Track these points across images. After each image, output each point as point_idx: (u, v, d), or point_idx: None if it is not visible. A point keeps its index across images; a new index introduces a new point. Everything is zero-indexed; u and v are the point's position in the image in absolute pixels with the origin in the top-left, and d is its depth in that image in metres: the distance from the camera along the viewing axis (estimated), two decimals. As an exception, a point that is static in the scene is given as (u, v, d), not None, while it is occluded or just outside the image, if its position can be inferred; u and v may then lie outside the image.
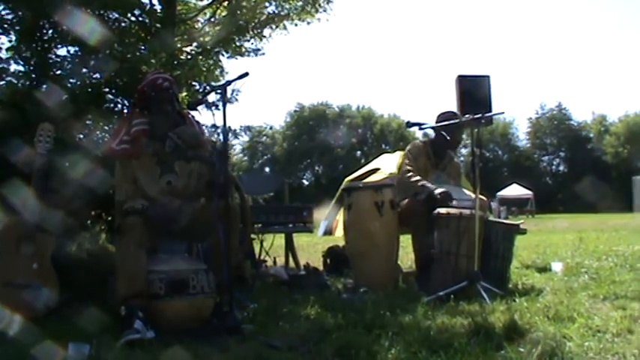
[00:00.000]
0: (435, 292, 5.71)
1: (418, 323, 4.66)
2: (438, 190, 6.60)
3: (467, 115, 6.44)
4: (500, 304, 5.26)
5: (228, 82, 4.93)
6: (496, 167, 79.72)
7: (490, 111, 7.98)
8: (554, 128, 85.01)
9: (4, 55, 7.33)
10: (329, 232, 18.84)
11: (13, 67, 7.37)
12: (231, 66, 13.24)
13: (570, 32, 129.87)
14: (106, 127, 7.46)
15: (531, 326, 4.40)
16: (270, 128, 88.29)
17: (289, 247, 8.62)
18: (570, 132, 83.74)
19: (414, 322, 4.68)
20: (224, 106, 4.81)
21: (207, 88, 9.63)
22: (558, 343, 3.85)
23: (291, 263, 8.59)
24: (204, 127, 6.87)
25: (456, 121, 6.66)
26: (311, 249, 11.43)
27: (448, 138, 7.02)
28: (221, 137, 5.75)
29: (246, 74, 4.82)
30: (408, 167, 7.02)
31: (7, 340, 4.23)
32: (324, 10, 13.39)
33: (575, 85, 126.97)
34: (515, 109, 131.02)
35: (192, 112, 7.64)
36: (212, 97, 9.34)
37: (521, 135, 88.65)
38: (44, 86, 7.18)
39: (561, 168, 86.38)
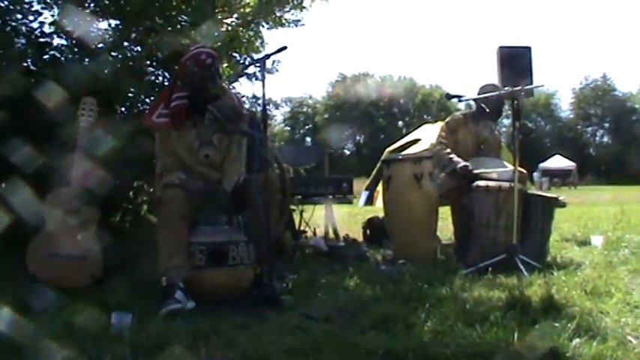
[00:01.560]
0: (474, 264, 5.73)
1: (455, 296, 4.68)
2: (461, 164, 6.60)
3: (506, 88, 6.41)
4: (538, 278, 5.25)
5: (267, 56, 4.94)
6: (538, 138, 78.81)
7: (531, 83, 7.92)
8: (599, 99, 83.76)
9: (47, 29, 7.40)
10: (370, 202, 18.87)
11: (57, 40, 7.45)
12: (272, 37, 13.28)
13: (615, 1, 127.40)
14: (147, 100, 7.54)
15: (568, 301, 4.39)
16: (310, 98, 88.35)
17: (329, 218, 8.65)
18: (615, 103, 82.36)
19: (451, 295, 4.70)
20: (263, 79, 4.83)
21: (248, 59, 9.66)
22: (594, 319, 3.85)
23: (331, 234, 8.61)
24: (244, 99, 6.92)
25: (495, 93, 6.61)
26: (351, 220, 11.44)
27: (488, 110, 7.00)
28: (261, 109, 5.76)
29: (285, 48, 4.83)
30: (442, 140, 7.01)
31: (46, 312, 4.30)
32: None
33: (621, 56, 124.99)
34: (559, 81, 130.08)
35: (234, 84, 7.70)
36: (252, 69, 9.38)
37: (565, 106, 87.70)
38: (86, 60, 7.24)
39: (605, 139, 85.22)
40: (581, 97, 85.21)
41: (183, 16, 8.61)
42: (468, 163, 6.62)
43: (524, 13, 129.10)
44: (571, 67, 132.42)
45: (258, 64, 4.83)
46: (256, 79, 8.78)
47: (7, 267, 5.27)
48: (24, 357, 3.35)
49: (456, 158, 6.70)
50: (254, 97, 8.80)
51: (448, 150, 6.84)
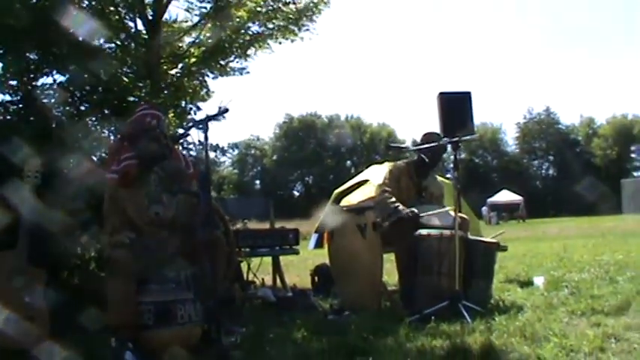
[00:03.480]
0: (419, 311, 5.84)
1: (400, 346, 4.79)
2: (406, 211, 6.74)
3: (444, 139, 6.60)
4: (480, 323, 5.39)
5: (209, 118, 5.01)
6: (485, 173, 79.92)
7: (472, 128, 8.15)
8: (543, 132, 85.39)
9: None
10: (320, 244, 18.92)
11: (0, 97, 7.49)
12: (217, 85, 13.37)
13: (555, 35, 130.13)
14: (94, 158, 7.58)
15: (507, 347, 4.53)
16: (258, 139, 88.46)
17: (276, 269, 8.74)
18: (559, 135, 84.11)
19: (396, 345, 4.80)
20: (206, 141, 4.93)
21: (195, 109, 9.77)
22: (531, 365, 3.99)
23: (279, 284, 8.69)
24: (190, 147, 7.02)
25: (435, 144, 6.79)
26: (301, 265, 11.52)
27: (427, 160, 7.15)
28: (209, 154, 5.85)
29: (227, 110, 4.95)
30: (386, 188, 7.13)
31: None
32: (307, 29, 13.49)
33: (563, 89, 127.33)
34: (503, 114, 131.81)
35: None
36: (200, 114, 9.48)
37: (510, 140, 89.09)
38: (31, 117, 7.28)
39: (551, 172, 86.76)
40: (526, 131, 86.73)
41: (127, 69, 8.71)
42: (414, 209, 6.75)
43: (465, 48, 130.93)
44: (514, 101, 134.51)
45: (200, 127, 4.89)
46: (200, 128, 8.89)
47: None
48: None
49: (401, 206, 6.83)
50: (200, 143, 8.88)
51: (393, 199, 6.97)
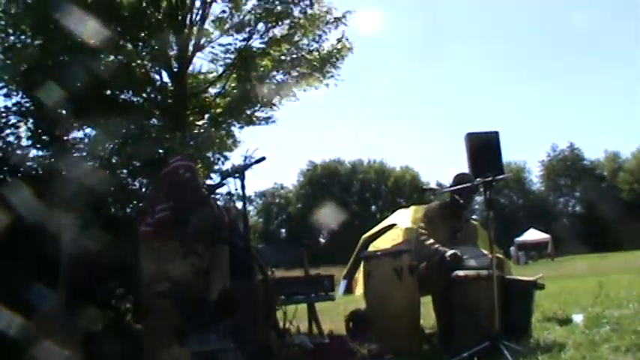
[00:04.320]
0: (458, 353, 5.76)
1: (443, 390, 4.73)
2: (448, 253, 6.70)
3: (477, 179, 6.55)
4: (523, 363, 5.30)
5: (247, 167, 5.04)
6: (512, 212, 79.31)
7: (501, 167, 8.10)
8: (568, 169, 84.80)
9: (24, 142, 7.53)
10: (349, 290, 18.84)
11: (33, 152, 7.57)
12: (243, 133, 13.48)
13: (577, 71, 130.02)
14: (127, 210, 7.62)
15: (555, 386, 4.46)
16: (282, 187, 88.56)
17: (312, 315, 8.67)
18: (584, 171, 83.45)
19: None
20: (243, 191, 4.93)
21: (222, 159, 9.80)
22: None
23: (315, 330, 8.62)
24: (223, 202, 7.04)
25: (467, 184, 6.77)
26: (332, 311, 11.43)
27: (461, 202, 7.13)
28: (237, 205, 5.88)
29: (263, 158, 4.97)
30: (422, 231, 7.13)
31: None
32: (332, 76, 13.60)
33: (586, 125, 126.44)
34: (527, 152, 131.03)
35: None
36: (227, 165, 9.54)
37: (534, 178, 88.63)
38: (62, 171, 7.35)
39: (577, 208, 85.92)
40: (550, 169, 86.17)
41: (155, 120, 8.78)
42: (456, 251, 6.71)
43: (486, 89, 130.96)
44: (537, 139, 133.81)
45: (237, 176, 4.90)
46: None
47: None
48: None
49: (441, 247, 6.80)
50: (228, 194, 8.88)
51: (432, 240, 6.94)
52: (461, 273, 6.33)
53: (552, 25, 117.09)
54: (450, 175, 7.38)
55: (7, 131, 7.40)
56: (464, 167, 7.84)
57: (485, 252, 6.77)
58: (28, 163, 7.39)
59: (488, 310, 5.99)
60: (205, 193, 5.71)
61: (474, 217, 8.48)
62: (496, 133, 8.70)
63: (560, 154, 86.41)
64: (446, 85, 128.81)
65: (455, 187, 6.92)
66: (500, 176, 6.73)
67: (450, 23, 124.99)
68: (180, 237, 5.33)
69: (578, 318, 7.91)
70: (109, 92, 8.38)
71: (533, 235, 58.12)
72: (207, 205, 5.54)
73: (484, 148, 8.35)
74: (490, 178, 6.22)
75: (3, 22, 9.89)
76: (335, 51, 13.49)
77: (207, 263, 5.35)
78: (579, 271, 23.07)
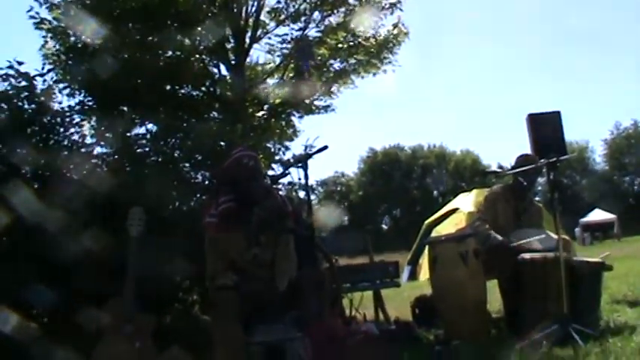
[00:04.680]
0: (527, 337, 5.72)
1: (514, 374, 4.69)
2: (498, 240, 6.68)
3: (542, 160, 6.46)
4: (594, 346, 5.21)
5: (309, 156, 5.05)
6: (575, 193, 78.00)
7: (564, 149, 8.00)
8: (632, 147, 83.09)
9: (88, 140, 7.65)
10: (413, 276, 18.79)
11: (97, 149, 7.69)
12: (303, 122, 13.51)
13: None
14: (192, 204, 7.70)
15: (627, 369, 4.39)
16: (343, 175, 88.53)
17: (378, 302, 8.67)
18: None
19: (510, 373, 4.71)
20: (306, 180, 4.95)
21: (283, 149, 9.86)
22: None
23: (381, 317, 8.62)
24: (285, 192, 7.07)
25: (531, 166, 6.69)
26: (397, 297, 11.41)
27: (525, 183, 7.07)
28: (300, 194, 5.92)
29: (326, 147, 4.98)
30: (481, 215, 7.16)
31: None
32: (389, 62, 13.56)
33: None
34: (589, 132, 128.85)
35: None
36: (287, 155, 9.60)
37: (598, 158, 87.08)
38: (128, 167, 7.45)
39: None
40: (614, 147, 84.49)
41: (215, 114, 8.85)
42: (505, 239, 6.68)
43: (547, 69, 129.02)
44: (600, 118, 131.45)
45: (300, 165, 4.92)
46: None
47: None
48: None
49: (494, 234, 6.77)
50: (290, 184, 8.91)
51: (486, 226, 6.92)
52: (527, 256, 6.27)
53: None
54: (512, 157, 7.32)
55: (72, 130, 7.52)
56: (526, 149, 7.77)
57: (551, 234, 6.70)
58: (93, 161, 7.49)
59: (555, 292, 5.93)
60: (268, 184, 5.74)
61: (537, 198, 8.37)
62: (558, 112, 8.60)
63: (624, 132, 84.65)
64: (505, 66, 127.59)
65: (518, 169, 6.85)
66: (564, 156, 6.64)
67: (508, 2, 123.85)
68: (245, 228, 5.36)
69: (648, 300, 7.77)
70: (168, 87, 8.45)
71: (598, 215, 57.18)
72: (270, 195, 5.56)
73: (546, 128, 8.26)
74: (554, 159, 6.15)
75: (63, 25, 10.07)
76: (391, 37, 13.45)
77: (271, 254, 5.38)
78: (648, 251, 22.66)
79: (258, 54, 15.08)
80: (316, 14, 12.86)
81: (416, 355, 5.79)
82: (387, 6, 13.45)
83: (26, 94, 7.20)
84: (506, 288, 6.67)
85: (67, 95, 7.73)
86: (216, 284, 5.15)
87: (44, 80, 7.62)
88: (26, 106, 7.25)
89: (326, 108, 13.47)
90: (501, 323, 6.93)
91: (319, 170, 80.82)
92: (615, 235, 51.59)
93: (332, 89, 13.29)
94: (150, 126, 8.21)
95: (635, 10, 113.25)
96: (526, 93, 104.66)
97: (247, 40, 12.60)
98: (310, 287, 4.95)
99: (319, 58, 12.86)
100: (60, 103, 7.61)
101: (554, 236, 6.33)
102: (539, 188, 53.64)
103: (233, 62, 11.94)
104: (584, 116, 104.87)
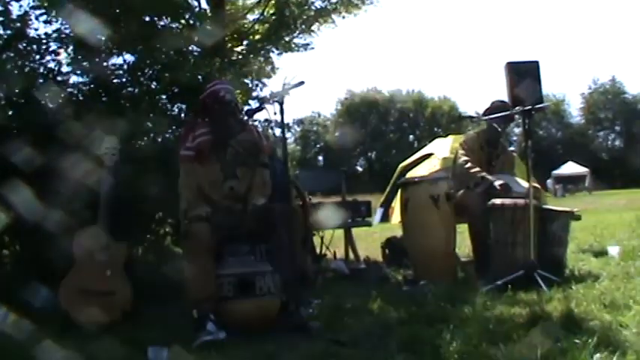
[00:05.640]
0: (493, 281, 5.82)
1: (478, 315, 4.77)
2: (498, 182, 6.72)
3: (517, 107, 6.50)
4: (557, 292, 5.35)
5: (285, 91, 5.04)
6: (550, 145, 78.16)
7: (541, 97, 8.03)
8: (609, 103, 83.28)
9: (64, 69, 7.58)
10: (385, 219, 18.91)
11: (73, 78, 7.62)
12: (282, 61, 13.50)
13: (621, 5, 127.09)
14: (167, 135, 7.69)
15: (588, 315, 4.47)
16: (319, 116, 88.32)
17: (349, 241, 8.77)
18: (625, 105, 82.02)
19: (474, 314, 4.79)
20: (282, 115, 4.94)
21: (261, 85, 9.82)
22: (614, 332, 3.95)
23: (351, 256, 8.72)
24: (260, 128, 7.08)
25: (507, 112, 6.74)
26: (368, 238, 11.52)
27: (500, 130, 7.12)
28: (275, 131, 5.90)
29: (302, 83, 4.97)
30: (466, 158, 7.14)
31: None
32: (371, 3, 13.49)
33: (629, 58, 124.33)
34: (567, 86, 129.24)
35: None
36: (265, 91, 9.56)
37: (574, 111, 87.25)
38: (104, 97, 7.41)
39: (617, 143, 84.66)
40: (591, 102, 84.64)
41: (195, 47, 8.78)
42: (506, 182, 6.74)
43: (528, 21, 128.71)
44: (578, 72, 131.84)
45: (276, 100, 4.92)
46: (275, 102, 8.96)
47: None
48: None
49: (488, 176, 6.83)
50: (266, 120, 8.89)
51: (477, 168, 6.97)
52: (497, 201, 6.35)
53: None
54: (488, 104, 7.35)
55: (48, 57, 7.44)
56: (503, 97, 7.79)
57: (522, 181, 6.79)
58: (69, 90, 7.43)
59: (523, 238, 6.03)
60: (245, 118, 5.75)
61: (511, 148, 8.44)
62: (536, 62, 8.60)
63: (602, 87, 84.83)
64: (485, 14, 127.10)
65: (494, 115, 6.89)
66: (540, 105, 6.68)
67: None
68: (221, 160, 5.39)
69: (613, 250, 7.94)
70: (147, 19, 8.35)
71: (571, 168, 57.75)
72: (246, 129, 5.57)
73: (524, 77, 8.28)
74: (529, 107, 6.19)
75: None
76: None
77: (247, 187, 5.41)
78: (617, 205, 22.95)
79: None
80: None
81: (384, 295, 5.86)
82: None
83: (1, 19, 7.11)
84: (476, 232, 6.75)
85: (44, 22, 7.59)
86: (189, 216, 5.19)
87: (20, 6, 7.53)
88: (1, 32, 7.18)
89: (305, 46, 13.39)
90: (469, 267, 7.03)
91: (296, 110, 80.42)
92: (587, 188, 52.14)
93: (312, 28, 13.20)
94: (127, 57, 8.13)
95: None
96: (506, 44, 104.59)
97: (229, -26, 12.54)
98: (282, 221, 5.00)
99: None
100: (36, 30, 7.51)
101: (526, 184, 6.41)
102: (515, 138, 53.96)
103: (214, -5, 11.81)
104: (563, 70, 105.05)
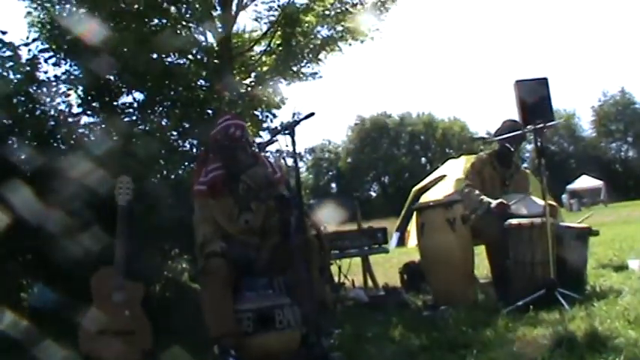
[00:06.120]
0: (514, 302, 5.77)
1: (500, 338, 4.73)
2: (494, 203, 6.71)
3: (529, 126, 6.49)
4: (579, 310, 5.28)
5: (296, 123, 5.03)
6: (563, 160, 78.04)
7: (551, 114, 8.01)
8: (619, 114, 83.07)
9: (75, 110, 7.63)
10: (401, 243, 18.86)
11: (84, 119, 7.67)
12: (290, 90, 13.59)
13: (626, 16, 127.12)
14: (180, 172, 7.70)
15: (612, 332, 4.40)
16: (329, 143, 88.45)
17: (366, 268, 8.72)
18: (636, 115, 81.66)
19: (497, 337, 4.75)
20: (294, 147, 4.93)
21: (271, 117, 9.84)
22: (640, 349, 3.90)
23: (370, 283, 8.68)
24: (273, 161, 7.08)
25: (518, 132, 6.73)
26: (386, 264, 11.47)
27: (512, 149, 7.11)
28: (288, 161, 5.92)
29: (312, 114, 4.96)
30: (468, 182, 7.20)
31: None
32: (377, 29, 13.54)
33: (637, 68, 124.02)
34: (577, 99, 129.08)
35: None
36: (275, 122, 9.59)
37: (585, 125, 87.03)
38: (115, 136, 7.44)
39: (630, 153, 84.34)
40: (602, 114, 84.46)
41: (203, 82, 8.82)
42: (503, 200, 6.72)
43: (534, 38, 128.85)
44: (587, 85, 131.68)
45: (287, 132, 4.91)
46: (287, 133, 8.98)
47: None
48: None
49: (486, 199, 6.81)
50: (278, 151, 8.89)
51: (477, 192, 6.96)
52: (514, 221, 6.30)
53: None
54: (499, 124, 7.35)
55: (58, 100, 7.49)
56: (513, 116, 7.77)
57: (538, 200, 6.75)
58: (80, 130, 7.47)
59: (542, 257, 5.98)
60: (256, 151, 5.75)
61: (524, 165, 8.41)
62: (545, 79, 8.59)
63: (611, 99, 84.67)
64: (491, 32, 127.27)
65: (505, 135, 6.87)
66: (551, 122, 6.66)
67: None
68: (234, 194, 5.39)
69: (634, 264, 7.85)
70: (155, 56, 8.40)
71: (585, 181, 57.45)
72: (259, 163, 5.57)
73: (533, 95, 8.26)
74: (541, 125, 6.17)
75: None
76: (379, 3, 13.41)
77: (260, 220, 5.41)
78: (634, 216, 22.79)
79: (245, 22, 15.10)
80: (303, -19, 12.82)
81: (404, 321, 5.83)
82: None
83: (11, 64, 7.16)
84: (494, 254, 6.71)
85: (53, 65, 7.65)
86: (205, 251, 5.18)
87: (29, 50, 7.58)
88: (11, 76, 7.22)
89: (313, 75, 13.49)
90: (489, 289, 6.98)
91: (307, 138, 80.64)
92: (602, 201, 51.82)
93: (319, 56, 13.26)
94: (137, 95, 8.17)
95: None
96: (514, 61, 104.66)
97: (234, 8, 12.57)
98: (297, 254, 4.97)
99: (306, 25, 12.82)
100: (46, 72, 7.57)
101: (541, 202, 6.37)
102: (527, 155, 53.80)
103: (220, 30, 11.89)
104: (572, 84, 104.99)
